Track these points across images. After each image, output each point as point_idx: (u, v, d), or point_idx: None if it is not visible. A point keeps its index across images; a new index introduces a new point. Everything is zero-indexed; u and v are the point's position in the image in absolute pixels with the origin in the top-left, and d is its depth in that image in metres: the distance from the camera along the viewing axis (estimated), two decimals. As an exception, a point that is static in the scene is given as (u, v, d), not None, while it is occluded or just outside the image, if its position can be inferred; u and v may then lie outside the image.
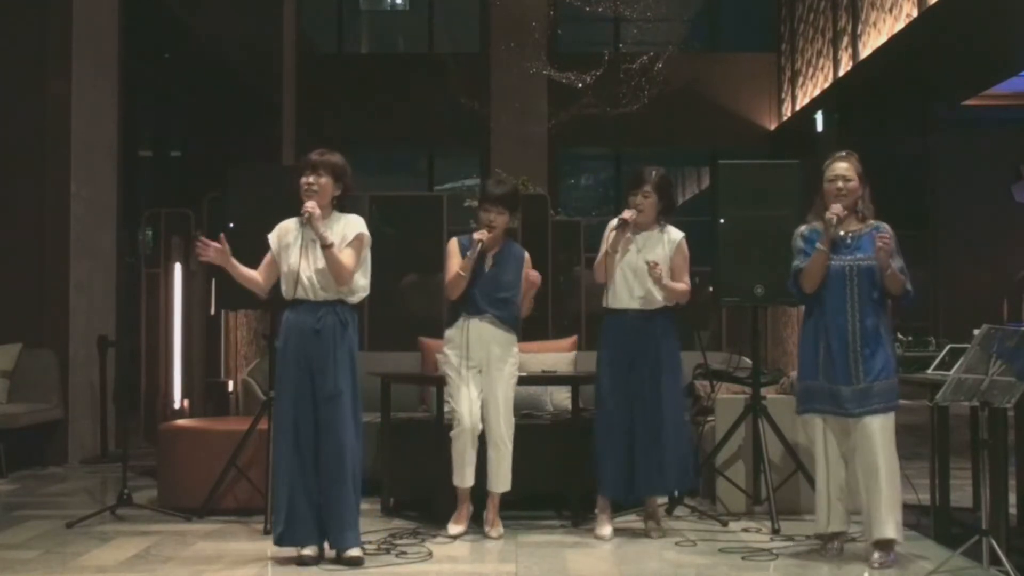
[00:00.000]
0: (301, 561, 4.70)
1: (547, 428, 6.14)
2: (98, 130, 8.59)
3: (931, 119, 13.86)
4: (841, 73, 12.46)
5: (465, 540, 5.27)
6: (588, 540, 5.29)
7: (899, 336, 5.63)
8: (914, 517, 5.42)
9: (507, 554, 5.02)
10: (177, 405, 8.60)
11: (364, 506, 4.94)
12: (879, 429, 4.71)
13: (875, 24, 11.26)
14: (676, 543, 5.20)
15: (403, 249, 8.65)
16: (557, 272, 9.01)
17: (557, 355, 6.68)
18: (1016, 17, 9.35)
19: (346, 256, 4.76)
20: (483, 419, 5.37)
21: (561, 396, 6.34)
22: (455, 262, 5.42)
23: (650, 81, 13.28)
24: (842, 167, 4.88)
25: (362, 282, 4.88)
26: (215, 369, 8.92)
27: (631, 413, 5.31)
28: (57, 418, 7.95)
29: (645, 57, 13.41)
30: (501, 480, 5.38)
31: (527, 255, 5.57)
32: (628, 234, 5.37)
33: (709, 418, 6.22)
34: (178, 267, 8.69)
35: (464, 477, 5.37)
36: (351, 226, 4.84)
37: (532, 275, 5.46)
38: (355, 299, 4.86)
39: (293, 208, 4.81)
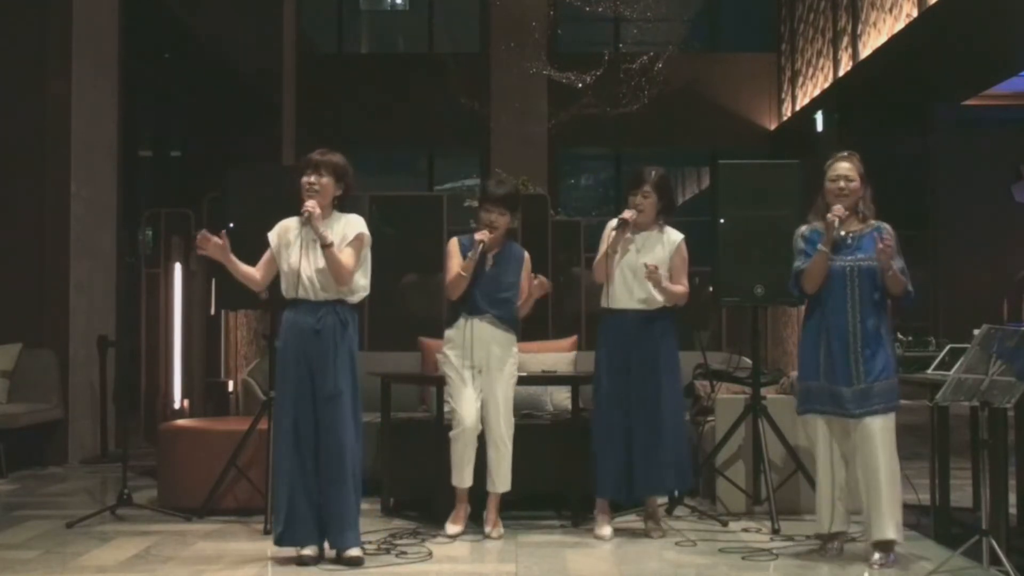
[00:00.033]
0: (301, 561, 4.70)
1: (547, 428, 6.14)
2: (98, 130, 8.59)
3: (931, 119, 13.85)
4: (841, 73, 12.47)
5: (465, 540, 5.27)
6: (588, 540, 5.29)
7: (899, 336, 5.63)
8: (914, 517, 5.42)
9: (507, 554, 5.02)
10: (177, 405, 8.60)
11: (364, 506, 4.94)
12: (880, 430, 4.71)
13: (875, 24, 11.26)
14: (676, 543, 5.21)
15: (403, 249, 8.64)
16: (557, 272, 9.00)
17: (557, 355, 6.68)
18: (1016, 17, 9.35)
19: (346, 256, 4.76)
20: (483, 419, 5.38)
21: (561, 396, 6.34)
22: (456, 262, 5.41)
23: (650, 81, 13.28)
24: (844, 167, 4.88)
25: (362, 282, 4.88)
26: (215, 369, 8.93)
27: (629, 414, 5.31)
28: (57, 418, 7.95)
29: (645, 57, 13.41)
30: (501, 480, 5.38)
31: (527, 255, 5.57)
32: (628, 234, 5.37)
33: (709, 418, 6.22)
34: (178, 267, 8.69)
35: (463, 477, 5.37)
36: (351, 226, 4.84)
37: (545, 283, 5.44)
38: (355, 299, 4.86)
39: (293, 208, 4.82)
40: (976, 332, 4.41)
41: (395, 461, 5.94)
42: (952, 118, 13.76)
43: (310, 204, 4.74)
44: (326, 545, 4.77)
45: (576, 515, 5.60)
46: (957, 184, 14.18)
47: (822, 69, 13.35)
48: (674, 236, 5.46)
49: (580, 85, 13.29)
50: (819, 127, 13.10)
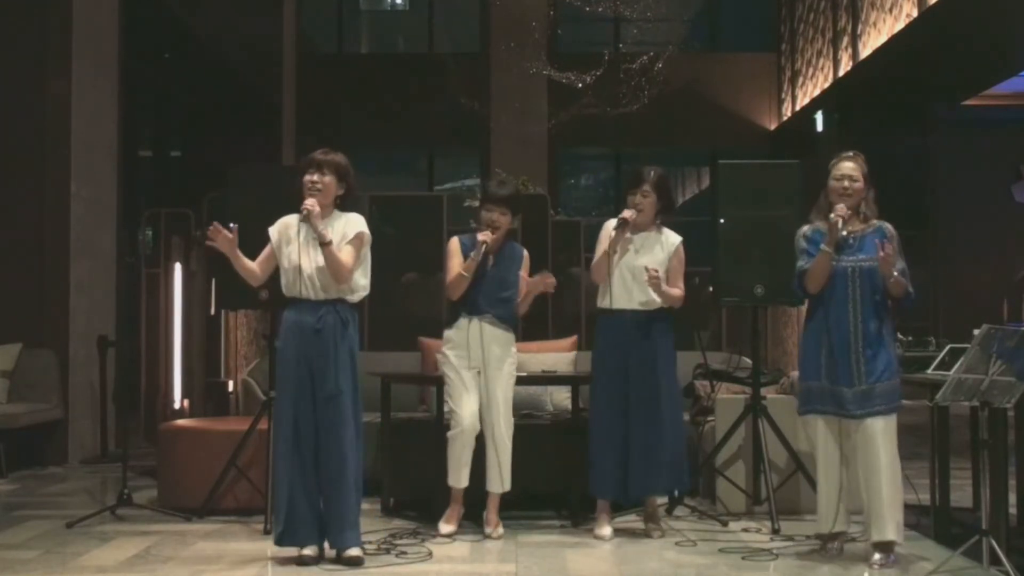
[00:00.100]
0: (301, 561, 4.70)
1: (547, 428, 6.14)
2: (98, 130, 8.59)
3: (931, 119, 13.86)
4: (841, 73, 12.46)
5: (465, 540, 5.27)
6: (588, 540, 5.29)
7: (899, 336, 5.63)
8: (914, 517, 5.42)
9: (507, 554, 5.02)
10: (177, 405, 8.60)
11: (364, 506, 4.94)
12: (881, 430, 4.70)
13: (875, 24, 11.26)
14: (676, 543, 5.20)
15: (403, 249, 8.65)
16: (558, 272, 9.01)
17: (557, 355, 6.68)
18: (1016, 17, 9.35)
19: (345, 254, 4.76)
20: (482, 419, 5.38)
21: (561, 396, 6.34)
22: (456, 262, 5.41)
23: (650, 81, 13.28)
24: (849, 167, 4.88)
25: (362, 281, 4.88)
26: (215, 369, 8.93)
27: (627, 414, 5.31)
28: (57, 418, 7.95)
29: (645, 57, 13.41)
30: (501, 480, 5.38)
31: (526, 254, 5.57)
32: (627, 234, 5.36)
33: (709, 418, 6.22)
34: (178, 267, 8.69)
35: (460, 478, 5.37)
36: (351, 224, 4.84)
37: (550, 280, 5.44)
38: (355, 298, 4.86)
39: (293, 208, 4.81)
40: (976, 332, 4.41)
41: (395, 461, 5.94)
42: (952, 118, 13.75)
43: (309, 202, 4.74)
44: (326, 545, 4.77)
45: (576, 515, 5.60)
46: (957, 184, 14.19)
47: (822, 69, 13.35)
48: (673, 238, 5.46)
49: (580, 85, 13.29)
50: (819, 127, 13.10)
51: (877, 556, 4.71)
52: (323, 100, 14.75)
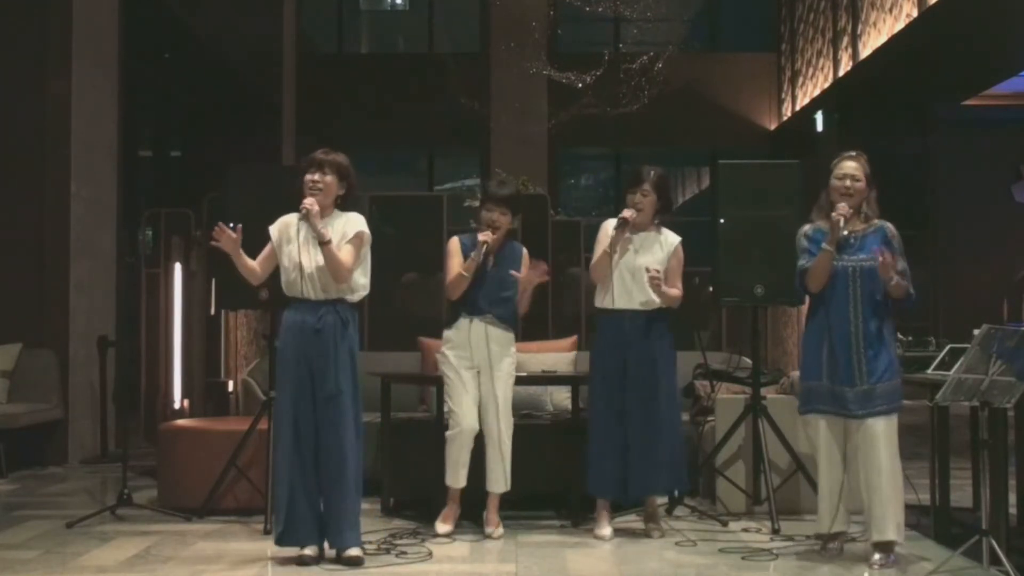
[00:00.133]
0: (301, 561, 4.70)
1: (547, 428, 6.14)
2: (98, 130, 8.59)
3: (931, 119, 13.86)
4: (841, 73, 12.47)
5: (465, 540, 5.27)
6: (588, 540, 5.29)
7: (899, 336, 5.63)
8: (914, 517, 5.42)
9: (507, 554, 5.02)
10: (177, 405, 8.60)
11: (364, 506, 4.94)
12: (883, 430, 4.70)
13: (875, 24, 11.26)
14: (676, 543, 5.20)
15: (403, 249, 8.64)
16: (557, 272, 9.01)
17: (557, 355, 6.68)
18: (1016, 17, 9.35)
19: (345, 253, 4.76)
20: (482, 419, 5.38)
21: (561, 396, 6.34)
22: (456, 262, 5.41)
23: (650, 81, 13.28)
24: (851, 166, 4.88)
25: (362, 280, 4.88)
26: (215, 369, 8.93)
27: (625, 414, 5.30)
28: (57, 418, 7.95)
29: (645, 57, 13.41)
30: (500, 480, 5.38)
31: (526, 252, 5.57)
32: (627, 234, 5.36)
33: (709, 418, 6.22)
34: (178, 267, 8.69)
35: (458, 478, 5.37)
36: (351, 224, 4.84)
37: (542, 268, 5.43)
38: (355, 298, 4.86)
39: (293, 208, 4.81)
40: (976, 332, 4.41)
41: (395, 461, 5.94)
42: (952, 118, 13.76)
43: (308, 201, 4.74)
44: (326, 545, 4.77)
45: (576, 515, 5.60)
46: (957, 184, 14.19)
47: (822, 69, 13.35)
48: (672, 238, 5.46)
49: (580, 85, 13.29)
50: (819, 127, 13.10)
51: (877, 556, 4.71)
52: (323, 100, 14.75)
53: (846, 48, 12.29)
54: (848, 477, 4.84)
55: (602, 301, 5.40)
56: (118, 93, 8.90)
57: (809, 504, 5.66)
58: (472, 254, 5.34)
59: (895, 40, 10.52)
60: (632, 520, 5.62)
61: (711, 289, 6.71)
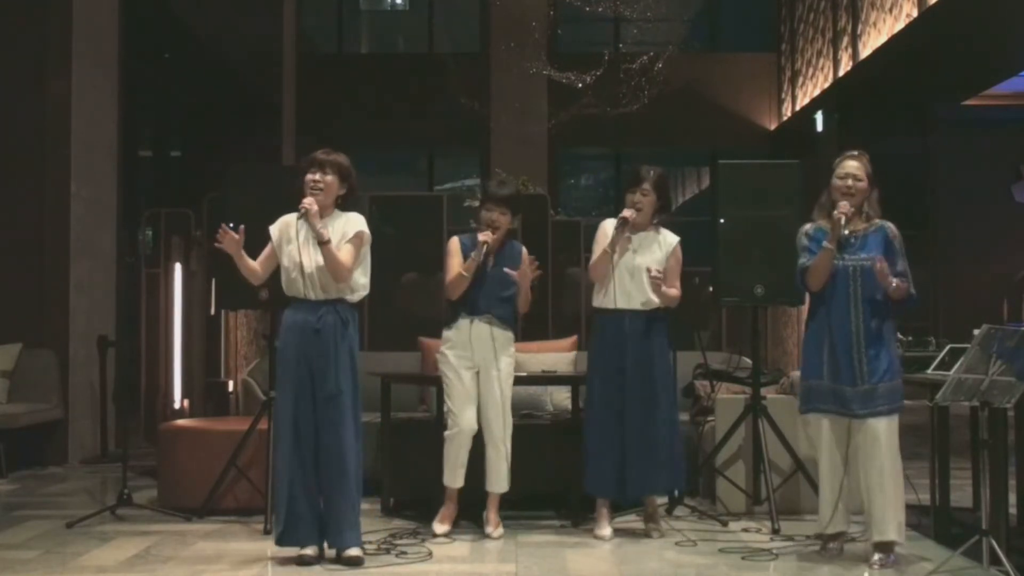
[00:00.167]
0: (301, 561, 4.70)
1: (547, 428, 6.14)
2: (98, 130, 8.59)
3: (931, 119, 13.86)
4: (841, 73, 12.47)
5: (465, 540, 5.27)
6: (588, 540, 5.29)
7: (899, 336, 5.64)
8: (914, 517, 5.42)
9: (507, 554, 5.02)
10: (177, 405, 8.60)
11: (364, 506, 4.94)
12: (884, 431, 4.70)
13: (875, 24, 11.26)
14: (676, 543, 5.20)
15: (403, 249, 8.64)
16: (558, 272, 9.01)
17: (557, 355, 6.68)
18: (1016, 17, 9.35)
19: (345, 252, 4.76)
20: (482, 419, 5.38)
21: (561, 396, 6.34)
22: (456, 261, 5.41)
23: (650, 81, 13.28)
24: (853, 166, 4.88)
25: (362, 280, 4.88)
26: (215, 369, 8.92)
27: (623, 414, 5.30)
28: (57, 418, 7.95)
29: (645, 57, 13.41)
30: (500, 480, 5.38)
31: (525, 251, 5.57)
32: (627, 234, 5.36)
33: (709, 418, 6.22)
34: (178, 267, 8.69)
35: (456, 478, 5.37)
36: (351, 223, 4.84)
37: (533, 264, 5.41)
38: (355, 298, 4.86)
39: (293, 208, 4.81)
40: (976, 332, 4.41)
41: (395, 461, 5.94)
42: (952, 118, 13.76)
43: (307, 201, 4.74)
44: (326, 545, 4.77)
45: (576, 515, 5.60)
46: (957, 184, 14.19)
47: (822, 69, 13.35)
48: (671, 238, 5.46)
49: (580, 85, 13.29)
50: (819, 127, 13.10)
51: (877, 556, 4.71)
52: (323, 100, 14.75)
53: (846, 48, 12.29)
54: (848, 477, 4.84)
55: (601, 301, 5.40)
56: (118, 93, 8.90)
57: (809, 504, 5.67)
58: (472, 254, 5.34)
59: (895, 40, 10.52)
60: (632, 520, 5.62)
61: (711, 289, 6.71)
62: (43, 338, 7.99)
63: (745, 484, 5.93)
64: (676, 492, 5.75)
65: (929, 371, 5.27)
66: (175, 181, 12.63)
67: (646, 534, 5.39)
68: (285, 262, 4.84)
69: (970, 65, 11.15)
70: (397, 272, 8.66)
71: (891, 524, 4.69)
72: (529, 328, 7.70)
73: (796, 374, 6.06)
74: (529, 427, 5.95)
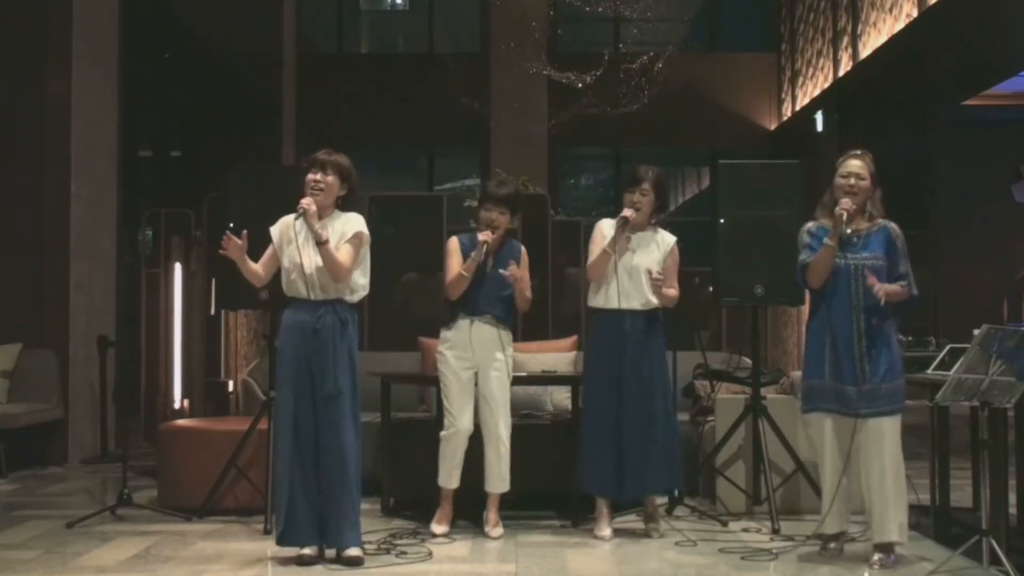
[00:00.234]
0: (301, 561, 4.70)
1: (547, 428, 6.14)
2: (98, 130, 8.59)
3: (931, 119, 13.86)
4: (841, 73, 12.46)
5: (465, 540, 5.27)
6: (588, 540, 5.29)
7: (899, 336, 5.64)
8: (914, 517, 5.41)
9: (507, 554, 5.02)
10: (177, 405, 8.59)
11: (364, 506, 4.94)
12: (887, 431, 4.70)
13: (875, 24, 11.26)
14: (676, 543, 5.20)
15: (403, 249, 8.64)
16: (557, 272, 9.01)
17: (557, 355, 6.68)
18: (1016, 17, 9.35)
19: (343, 253, 4.76)
20: (481, 419, 5.38)
21: (561, 396, 6.34)
22: (456, 261, 5.41)
23: (650, 81, 13.28)
24: (856, 165, 4.88)
25: (361, 281, 4.88)
26: (215, 369, 8.92)
27: (621, 414, 5.30)
28: (57, 418, 7.95)
29: (645, 57, 13.41)
30: (500, 480, 5.38)
31: (524, 250, 5.57)
32: (626, 233, 5.36)
33: (709, 418, 6.22)
34: (178, 267, 8.69)
35: (451, 478, 5.37)
36: (350, 224, 4.84)
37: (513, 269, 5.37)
38: (355, 298, 4.86)
39: (293, 208, 4.81)
40: (976, 332, 4.41)
41: (395, 461, 5.94)
42: (952, 118, 13.76)
43: (305, 201, 4.74)
44: (326, 545, 4.77)
45: (576, 515, 5.60)
46: (957, 184, 14.20)
47: (822, 69, 13.35)
48: (668, 238, 5.47)
49: (580, 85, 13.29)
50: (819, 127, 13.10)
51: (877, 556, 4.71)
52: (323, 100, 14.75)
53: (846, 48, 12.29)
54: (848, 476, 4.84)
55: (599, 301, 5.40)
56: (118, 93, 8.90)
57: (809, 504, 5.67)
58: (472, 254, 5.34)
59: (895, 40, 10.52)
60: (632, 520, 5.62)
61: (711, 289, 6.70)
62: (43, 338, 7.99)
63: (745, 484, 5.93)
64: (676, 492, 5.75)
65: (929, 371, 5.27)
66: (175, 181, 12.62)
67: (646, 534, 5.39)
68: (285, 263, 4.84)
69: (970, 65, 11.14)
70: (397, 272, 8.66)
71: (893, 524, 4.69)
72: (529, 328, 7.70)
73: (796, 374, 6.07)
74: (529, 427, 5.96)
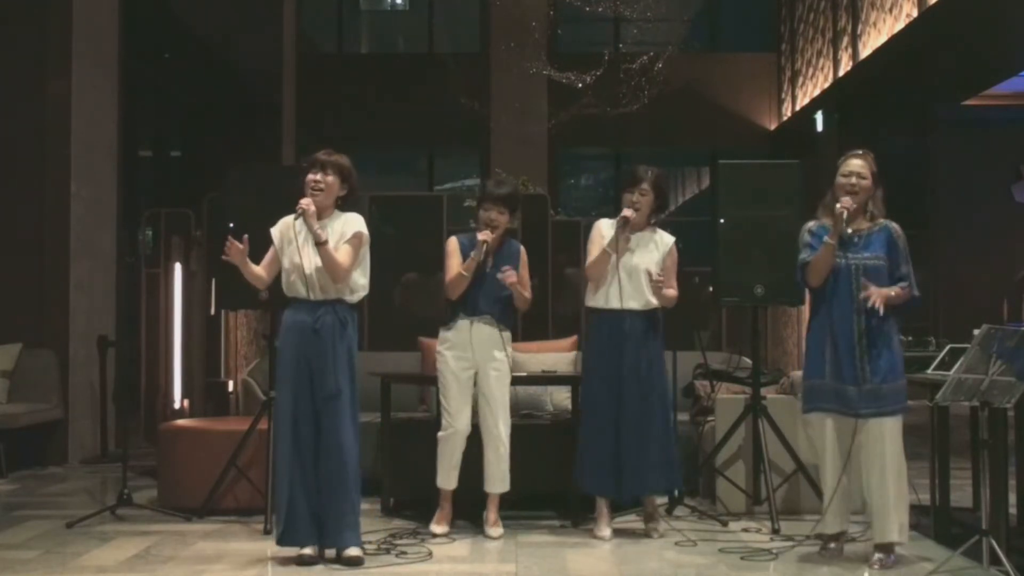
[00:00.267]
0: (301, 561, 4.70)
1: (547, 428, 6.15)
2: (98, 130, 8.59)
3: (931, 119, 13.86)
4: (841, 73, 12.47)
5: (465, 540, 5.27)
6: (588, 540, 5.29)
7: (900, 336, 5.63)
8: (914, 517, 5.41)
9: (507, 554, 5.02)
10: (177, 405, 8.59)
11: (364, 506, 4.94)
12: (889, 431, 4.70)
13: (875, 24, 11.26)
14: (676, 543, 5.20)
15: (403, 249, 8.64)
16: (557, 272, 9.01)
17: (557, 355, 6.68)
18: (1016, 17, 9.34)
19: (342, 253, 4.76)
20: (480, 419, 5.39)
21: (561, 396, 6.34)
22: (455, 261, 5.41)
23: (650, 81, 13.28)
24: (857, 164, 4.88)
25: (361, 281, 4.88)
26: (215, 369, 8.92)
27: (619, 413, 5.30)
28: (57, 418, 7.95)
29: (645, 57, 13.41)
30: (500, 480, 5.38)
31: (523, 249, 5.57)
32: (627, 234, 5.37)
33: (709, 418, 6.22)
34: (178, 267, 8.69)
35: (450, 479, 5.38)
36: (350, 224, 4.84)
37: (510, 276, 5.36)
38: (354, 298, 4.86)
39: (293, 208, 4.81)
40: (976, 332, 4.41)
41: (395, 461, 5.94)
42: (952, 118, 13.76)
43: (304, 201, 4.74)
44: (325, 545, 4.77)
45: (576, 515, 5.60)
46: (957, 184, 14.20)
47: (822, 69, 13.35)
48: (667, 238, 5.47)
49: (580, 85, 13.28)
50: (819, 127, 13.10)
51: (878, 556, 4.71)
52: (323, 100, 14.75)
53: (846, 48, 12.29)
54: (848, 476, 4.84)
55: (598, 301, 5.39)
56: (118, 93, 8.90)
57: (809, 504, 5.67)
58: (472, 253, 5.33)
59: (895, 40, 10.52)
60: (632, 520, 5.62)
61: (711, 289, 6.70)
62: (43, 338, 7.99)
63: (745, 484, 5.93)
64: (676, 492, 5.75)
65: (929, 371, 5.27)
66: (175, 181, 12.62)
67: (646, 534, 5.39)
68: (285, 263, 4.84)
69: (970, 65, 11.14)
70: (397, 272, 8.65)
71: (894, 525, 4.69)
72: (529, 328, 7.69)
73: (796, 374, 6.07)
74: (529, 427, 5.96)
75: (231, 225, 5.39)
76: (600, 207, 16.81)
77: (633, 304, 5.33)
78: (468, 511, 5.48)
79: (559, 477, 5.72)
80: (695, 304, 8.42)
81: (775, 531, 5.38)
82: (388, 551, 4.94)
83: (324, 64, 15.67)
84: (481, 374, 5.38)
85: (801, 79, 14.39)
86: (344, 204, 4.90)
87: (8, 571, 4.63)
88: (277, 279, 4.93)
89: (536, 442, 5.80)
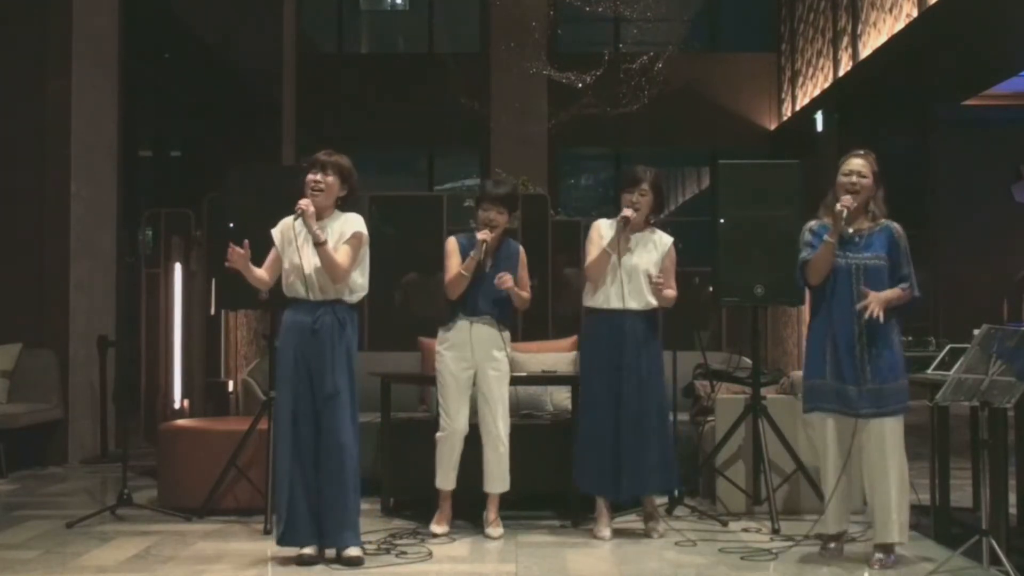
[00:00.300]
0: (301, 561, 4.70)
1: (547, 428, 6.14)
2: (98, 130, 8.59)
3: (931, 119, 13.86)
4: (841, 73, 12.47)
5: (465, 540, 5.27)
6: (588, 540, 5.29)
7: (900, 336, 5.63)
8: (914, 517, 5.41)
9: (507, 554, 5.02)
10: (177, 405, 8.60)
11: (364, 506, 4.94)
12: (891, 431, 4.70)
13: (875, 24, 11.26)
14: (676, 543, 5.21)
15: (403, 249, 8.64)
16: (557, 272, 9.01)
17: (557, 355, 6.68)
18: (1016, 17, 9.35)
19: (342, 253, 4.76)
20: (480, 419, 5.39)
21: (561, 396, 6.34)
22: (455, 261, 5.41)
23: (650, 81, 13.28)
24: (858, 163, 4.88)
25: (360, 281, 4.88)
26: (215, 369, 8.92)
27: (617, 413, 5.30)
28: (57, 418, 7.95)
29: (645, 57, 13.41)
30: (499, 480, 5.38)
31: (522, 249, 5.57)
32: (627, 234, 5.37)
33: (709, 418, 6.22)
34: (178, 267, 8.69)
35: (449, 480, 5.38)
36: (349, 224, 4.84)
37: (507, 282, 5.34)
38: (354, 299, 4.86)
39: (293, 208, 4.81)
40: (976, 332, 4.41)
41: (395, 461, 5.94)
42: (952, 118, 13.76)
43: (304, 202, 4.74)
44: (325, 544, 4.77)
45: (576, 515, 5.60)
46: (957, 184, 14.20)
47: (822, 69, 13.35)
48: (665, 239, 5.48)
49: (580, 85, 13.28)
50: (819, 127, 13.10)
51: (878, 556, 4.71)
52: (323, 100, 14.75)
53: (846, 48, 12.29)
54: (849, 476, 4.84)
55: (597, 301, 5.39)
56: (118, 93, 8.90)
57: (809, 504, 5.67)
58: (472, 253, 5.34)
59: (895, 40, 10.52)
60: (632, 520, 5.62)
61: (711, 289, 6.71)
62: (43, 338, 7.99)
63: (745, 484, 5.93)
64: (676, 492, 5.75)
65: (929, 371, 5.26)
66: (175, 181, 12.62)
67: (646, 534, 5.39)
68: (285, 264, 4.84)
69: (970, 65, 11.14)
70: (397, 272, 8.66)
71: (894, 525, 4.68)
72: (529, 328, 7.70)
73: (796, 374, 6.07)
74: (529, 427, 5.96)
75: (231, 225, 5.39)
76: (600, 207, 16.80)
77: (634, 304, 5.33)
78: (468, 511, 5.48)
79: (559, 477, 5.72)
80: (695, 304, 8.43)
81: (775, 531, 5.38)
82: (388, 551, 4.94)
83: (324, 64, 15.67)
84: (480, 374, 5.38)
85: (801, 79, 14.39)
86: (344, 204, 4.90)
87: (8, 571, 4.63)
88: (277, 280, 4.94)
89: (536, 442, 5.81)
